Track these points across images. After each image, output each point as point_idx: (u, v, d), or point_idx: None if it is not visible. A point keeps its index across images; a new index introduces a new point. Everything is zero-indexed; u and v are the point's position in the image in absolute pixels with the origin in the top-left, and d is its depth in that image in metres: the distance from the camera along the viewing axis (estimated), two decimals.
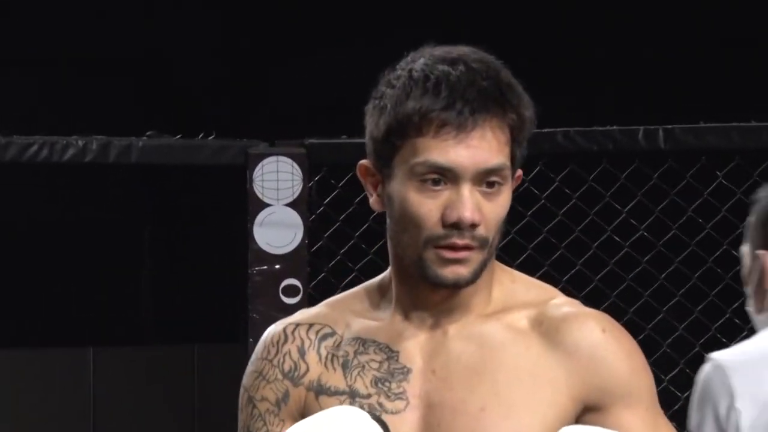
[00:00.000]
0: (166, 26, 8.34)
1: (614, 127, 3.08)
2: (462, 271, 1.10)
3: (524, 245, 3.16)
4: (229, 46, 8.43)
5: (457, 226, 1.08)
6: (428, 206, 1.09)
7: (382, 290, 1.20)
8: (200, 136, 3.13)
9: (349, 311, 1.20)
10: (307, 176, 3.10)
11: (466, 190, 1.08)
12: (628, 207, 3.23)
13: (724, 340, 3.17)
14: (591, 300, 3.21)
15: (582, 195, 3.20)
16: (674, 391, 3.12)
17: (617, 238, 3.25)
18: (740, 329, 3.20)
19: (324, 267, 3.08)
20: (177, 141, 3.13)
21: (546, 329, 1.14)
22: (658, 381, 2.39)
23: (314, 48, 8.03)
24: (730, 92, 7.17)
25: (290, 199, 3.14)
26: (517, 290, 1.19)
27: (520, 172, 1.16)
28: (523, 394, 1.11)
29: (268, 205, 3.15)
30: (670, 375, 3.24)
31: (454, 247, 1.09)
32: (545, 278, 3.04)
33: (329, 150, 3.12)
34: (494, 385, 1.12)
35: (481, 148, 1.08)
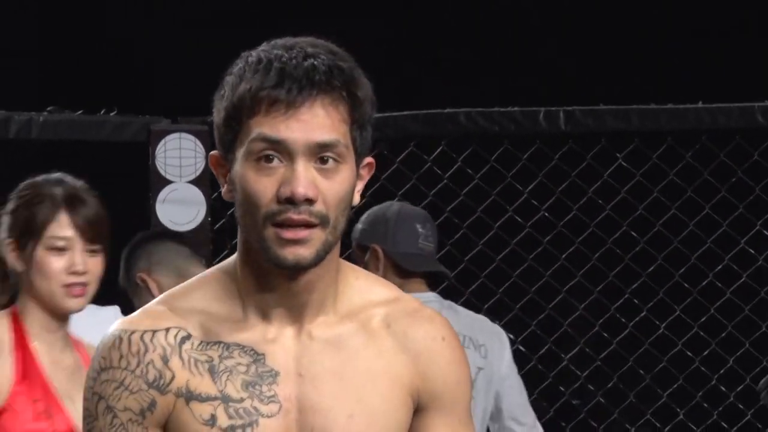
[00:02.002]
0: None
1: (515, 109, 3.18)
2: (302, 252, 1.11)
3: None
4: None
5: (291, 201, 1.09)
6: (264, 183, 1.10)
7: (224, 283, 1.21)
8: (102, 111, 3.11)
9: (196, 311, 1.19)
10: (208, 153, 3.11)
11: (300, 166, 1.10)
12: (529, 188, 3.33)
13: (623, 320, 3.36)
14: (493, 277, 3.33)
15: (484, 176, 3.29)
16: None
17: (519, 219, 3.35)
18: (638, 309, 3.39)
19: (227, 244, 3.09)
20: (78, 116, 3.11)
21: (394, 330, 1.18)
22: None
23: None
24: (632, 76, 7.46)
25: (193, 176, 3.14)
26: (362, 287, 1.21)
27: (370, 159, 1.18)
28: (382, 398, 1.16)
29: (170, 182, 3.14)
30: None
31: (291, 224, 1.09)
32: (448, 258, 3.14)
33: None
34: (357, 391, 1.15)
35: (311, 123, 1.10)
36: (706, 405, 3.29)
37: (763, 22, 7.96)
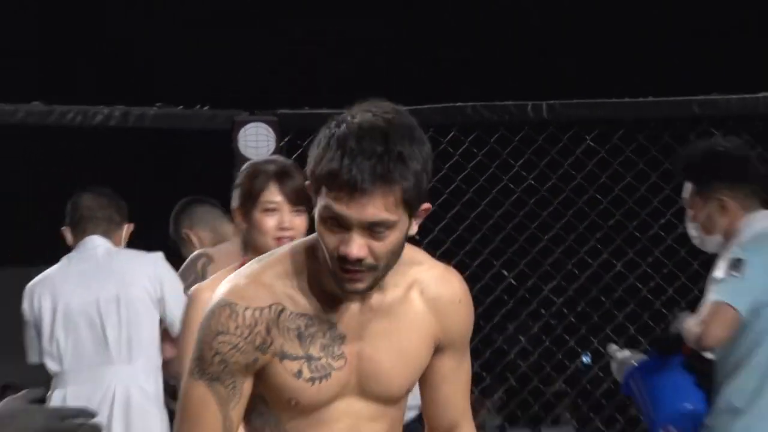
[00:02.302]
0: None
1: (509, 102, 4.00)
2: (357, 286, 1.40)
3: (442, 191, 4.11)
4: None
5: (346, 259, 1.36)
6: (330, 239, 1.38)
7: (300, 261, 1.46)
8: (197, 107, 3.94)
9: (286, 286, 1.45)
10: (279, 138, 3.89)
11: (354, 234, 1.35)
12: (520, 162, 4.19)
13: (589, 260, 4.24)
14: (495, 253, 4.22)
15: (486, 154, 4.14)
16: None
17: (511, 185, 4.23)
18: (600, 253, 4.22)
19: None
20: (180, 110, 3.91)
21: (426, 297, 1.50)
22: None
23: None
24: (604, 73, 8.22)
25: (266, 156, 3.98)
26: (406, 267, 1.49)
27: (427, 205, 1.43)
28: (416, 349, 1.50)
29: (248, 159, 4.00)
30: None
31: (347, 271, 1.38)
32: (459, 217, 4.00)
33: (296, 119, 3.98)
34: (399, 345, 1.48)
35: (367, 206, 1.34)
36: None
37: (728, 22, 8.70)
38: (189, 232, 3.60)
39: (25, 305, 3.37)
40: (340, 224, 1.36)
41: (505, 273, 4.32)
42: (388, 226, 1.36)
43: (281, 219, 2.22)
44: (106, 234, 3.43)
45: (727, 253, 2.72)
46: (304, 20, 8.85)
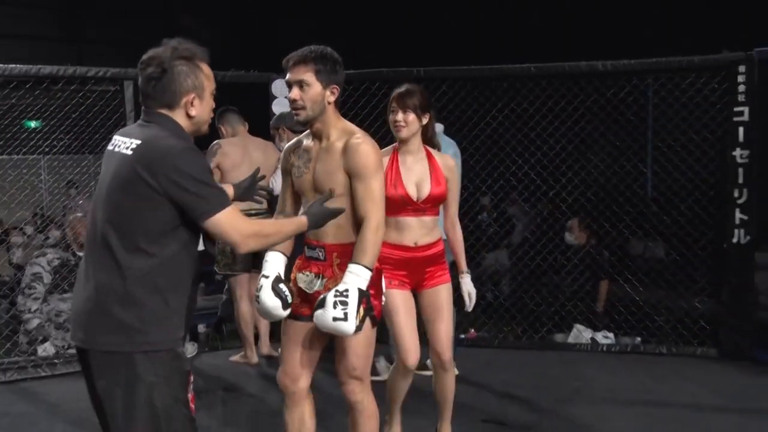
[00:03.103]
0: None
1: (505, 66, 5.57)
2: (300, 115, 2.99)
3: None
4: None
5: (292, 101, 2.98)
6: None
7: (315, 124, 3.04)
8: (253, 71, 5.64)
9: (304, 136, 3.11)
10: None
11: (293, 88, 2.96)
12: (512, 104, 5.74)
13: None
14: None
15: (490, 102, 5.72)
16: None
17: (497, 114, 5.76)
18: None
19: None
20: (243, 73, 5.76)
21: (347, 146, 2.96)
22: None
23: None
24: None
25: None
26: (342, 129, 3.02)
27: (334, 86, 2.97)
28: (335, 167, 2.96)
29: (275, 97, 5.78)
30: None
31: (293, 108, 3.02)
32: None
33: None
34: (331, 166, 2.96)
35: (297, 73, 2.93)
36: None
37: None
38: (221, 126, 5.51)
39: None
40: (289, 87, 2.96)
41: None
42: (307, 83, 2.91)
43: (395, 118, 3.57)
44: None
45: None
46: None
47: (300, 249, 3.13)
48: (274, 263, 3.07)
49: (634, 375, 5.17)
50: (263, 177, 3.22)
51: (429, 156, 3.65)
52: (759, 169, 5.35)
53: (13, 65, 5.17)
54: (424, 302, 3.66)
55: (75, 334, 2.48)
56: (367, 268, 2.88)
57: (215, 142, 5.29)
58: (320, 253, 3.02)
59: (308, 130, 3.03)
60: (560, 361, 5.56)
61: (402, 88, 3.62)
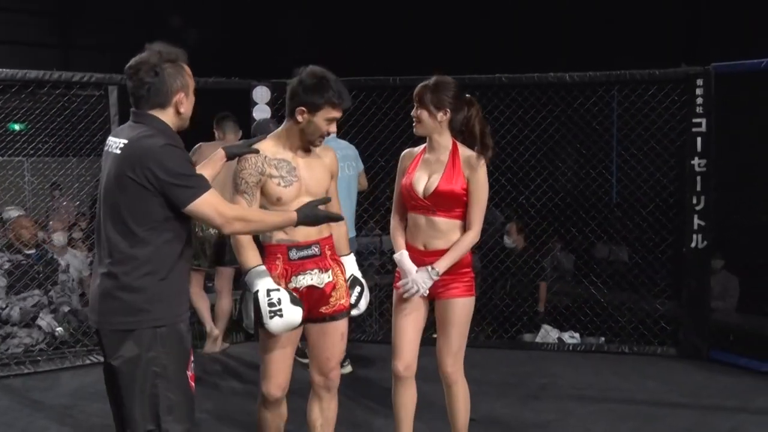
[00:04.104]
0: None
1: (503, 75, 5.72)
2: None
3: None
4: None
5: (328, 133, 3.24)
6: (324, 126, 3.14)
7: (278, 138, 3.17)
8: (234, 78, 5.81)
9: (269, 148, 3.13)
10: (272, 95, 5.91)
11: (334, 124, 3.17)
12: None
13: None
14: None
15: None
16: None
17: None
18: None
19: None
20: (224, 81, 5.97)
21: (320, 152, 3.25)
22: None
23: None
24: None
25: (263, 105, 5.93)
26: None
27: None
28: (323, 173, 3.25)
29: (256, 104, 5.96)
30: None
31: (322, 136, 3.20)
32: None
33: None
34: (316, 174, 3.21)
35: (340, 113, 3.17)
36: None
37: None
38: (215, 130, 5.77)
39: None
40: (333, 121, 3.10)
41: None
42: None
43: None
44: None
45: None
46: None
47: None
48: (266, 275, 3.03)
49: (598, 373, 5.32)
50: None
51: (453, 153, 3.38)
52: (716, 178, 5.54)
53: (0, 69, 5.25)
54: (436, 312, 3.48)
55: (90, 316, 2.79)
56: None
57: (198, 144, 5.48)
58: (316, 249, 3.18)
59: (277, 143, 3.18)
60: (528, 359, 5.70)
61: (425, 82, 3.41)
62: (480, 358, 5.54)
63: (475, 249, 7.75)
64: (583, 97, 6.04)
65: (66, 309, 6.03)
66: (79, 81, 5.45)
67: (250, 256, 3.05)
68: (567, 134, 6.50)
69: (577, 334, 6.19)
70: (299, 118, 3.03)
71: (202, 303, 5.67)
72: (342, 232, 3.38)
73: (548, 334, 6.24)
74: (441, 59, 4.33)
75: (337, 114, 3.05)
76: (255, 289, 3.02)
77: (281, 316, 2.98)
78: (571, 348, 5.98)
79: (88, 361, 5.51)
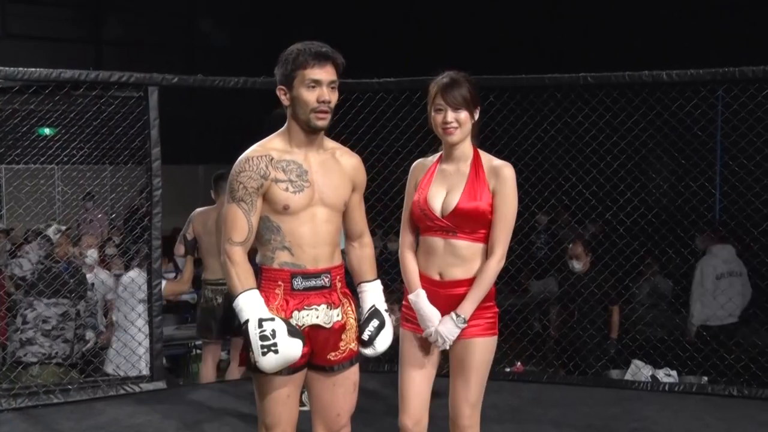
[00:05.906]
0: None
1: (529, 75, 5.19)
2: (323, 124, 2.64)
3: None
4: None
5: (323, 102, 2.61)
6: (310, 96, 2.60)
7: (282, 136, 2.68)
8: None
9: (273, 147, 2.63)
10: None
11: (325, 89, 2.58)
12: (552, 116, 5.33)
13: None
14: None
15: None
16: None
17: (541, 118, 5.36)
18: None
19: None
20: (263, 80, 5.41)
21: (341, 156, 2.74)
22: None
23: None
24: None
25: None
26: (328, 141, 2.76)
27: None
28: (342, 182, 2.70)
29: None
30: None
31: (322, 111, 2.60)
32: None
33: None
34: (333, 181, 2.67)
35: (329, 72, 2.59)
36: None
37: None
38: (211, 191, 5.72)
39: None
40: (315, 87, 2.55)
41: None
42: (335, 85, 2.60)
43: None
44: None
45: None
46: None
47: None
48: (258, 301, 2.53)
49: (699, 418, 4.71)
50: None
51: (476, 162, 2.97)
52: None
53: (33, 69, 4.88)
54: (452, 353, 3.02)
55: None
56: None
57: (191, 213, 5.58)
58: (326, 279, 2.66)
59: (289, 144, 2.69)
60: (616, 399, 5.12)
61: (446, 78, 2.93)
62: (560, 396, 5.13)
63: (553, 273, 7.40)
64: (683, 99, 5.35)
65: (92, 334, 5.87)
66: (117, 81, 5.01)
67: (242, 277, 2.53)
68: (662, 141, 5.86)
69: (674, 372, 5.66)
70: (285, 102, 2.59)
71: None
72: (368, 252, 2.88)
73: (640, 370, 5.70)
74: (457, 59, 3.71)
75: (316, 74, 2.55)
76: (245, 319, 2.47)
77: (276, 352, 2.47)
78: (667, 388, 5.32)
79: (122, 391, 5.10)
